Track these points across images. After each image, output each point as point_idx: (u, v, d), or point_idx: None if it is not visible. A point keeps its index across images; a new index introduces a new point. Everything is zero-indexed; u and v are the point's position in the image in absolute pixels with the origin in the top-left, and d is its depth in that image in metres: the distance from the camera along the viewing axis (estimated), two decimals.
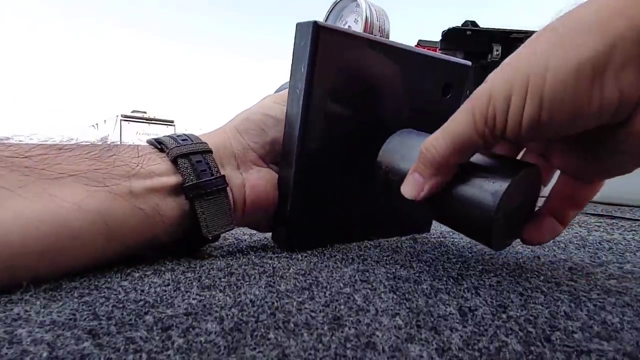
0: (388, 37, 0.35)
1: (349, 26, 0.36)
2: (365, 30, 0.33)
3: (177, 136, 0.26)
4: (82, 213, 0.20)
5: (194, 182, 0.24)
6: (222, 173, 0.25)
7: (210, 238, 0.25)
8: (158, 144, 0.25)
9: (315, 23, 0.24)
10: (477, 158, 0.22)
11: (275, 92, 0.35)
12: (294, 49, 0.25)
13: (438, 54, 0.31)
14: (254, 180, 0.27)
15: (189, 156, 0.24)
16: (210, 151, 0.25)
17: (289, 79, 0.26)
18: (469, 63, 0.32)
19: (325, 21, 0.34)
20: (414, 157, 0.23)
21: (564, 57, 0.16)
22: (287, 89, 0.27)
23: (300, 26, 0.25)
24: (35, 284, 0.19)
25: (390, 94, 0.28)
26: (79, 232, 0.20)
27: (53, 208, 0.19)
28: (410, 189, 0.22)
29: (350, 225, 0.31)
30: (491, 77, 0.18)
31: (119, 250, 0.22)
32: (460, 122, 0.19)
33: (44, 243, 0.19)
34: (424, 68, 0.30)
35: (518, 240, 0.24)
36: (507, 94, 0.17)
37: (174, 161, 0.24)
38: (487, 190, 0.20)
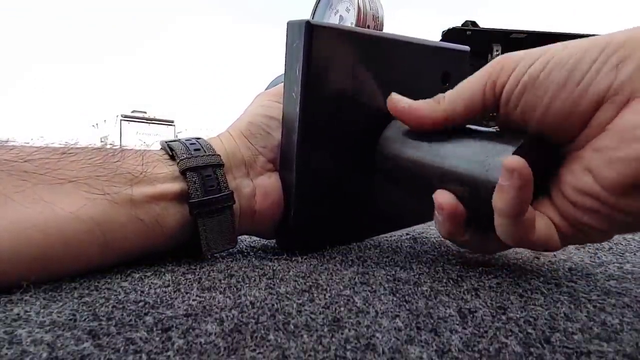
0: (382, 24, 0.34)
1: (340, 15, 0.34)
2: (358, 18, 0.32)
3: (190, 143, 0.25)
4: (77, 222, 0.19)
5: (200, 199, 0.23)
6: (232, 184, 0.25)
7: (209, 256, 0.24)
8: (170, 150, 0.24)
9: (307, 22, 0.23)
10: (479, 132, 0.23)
11: (268, 87, 0.34)
12: (286, 49, 0.24)
13: (436, 42, 0.30)
14: (265, 187, 0.26)
15: (199, 170, 0.23)
16: (221, 165, 0.24)
17: (283, 80, 0.25)
18: (467, 48, 0.31)
19: (315, 10, 0.33)
20: (416, 146, 0.24)
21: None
22: (281, 84, 0.26)
23: (291, 25, 0.24)
24: (35, 284, 0.19)
25: (388, 87, 0.27)
26: (73, 241, 0.19)
27: (48, 216, 0.19)
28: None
29: (353, 223, 0.31)
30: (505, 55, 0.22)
31: (115, 259, 0.22)
32: (473, 79, 0.22)
33: (35, 251, 0.18)
34: (422, 58, 0.29)
35: None
36: (514, 65, 0.21)
37: (183, 173, 0.23)
38: (496, 160, 0.21)
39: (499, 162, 0.20)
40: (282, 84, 0.26)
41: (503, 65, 0.21)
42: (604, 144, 0.19)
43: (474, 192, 0.21)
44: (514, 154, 0.20)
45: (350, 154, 0.28)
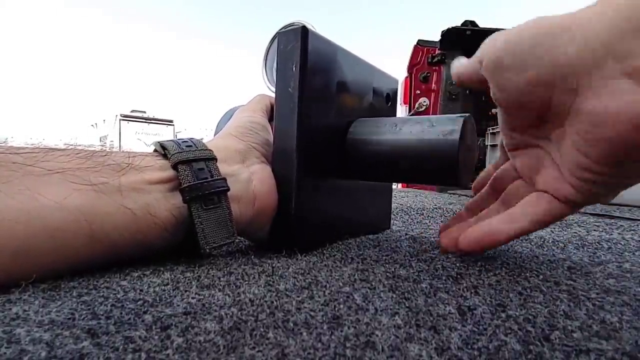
0: None
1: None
2: None
3: (182, 142, 0.25)
4: (62, 212, 0.19)
5: (191, 183, 0.23)
6: (228, 171, 0.25)
7: (208, 251, 0.23)
8: (162, 149, 0.25)
9: (304, 27, 0.26)
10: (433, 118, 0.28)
11: (222, 119, 0.38)
12: (278, 54, 0.27)
13: (381, 70, 0.37)
14: (260, 174, 0.27)
15: (190, 163, 0.24)
16: (214, 159, 0.25)
17: (275, 83, 0.28)
18: (397, 79, 0.40)
19: (267, 52, 0.37)
20: (382, 131, 0.29)
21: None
22: (239, 109, 0.32)
23: (284, 33, 0.27)
24: (33, 283, 0.19)
25: (356, 94, 0.33)
26: (57, 232, 0.19)
27: (33, 206, 0.18)
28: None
29: (343, 220, 0.33)
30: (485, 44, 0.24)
31: (107, 252, 0.21)
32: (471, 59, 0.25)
33: (18, 242, 0.18)
34: (377, 79, 0.36)
35: (517, 239, 0.24)
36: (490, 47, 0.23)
37: (175, 167, 0.23)
38: (449, 127, 0.26)
39: (447, 129, 0.26)
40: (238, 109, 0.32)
41: (483, 49, 0.24)
42: (581, 127, 0.21)
43: (436, 151, 0.26)
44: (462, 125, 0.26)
45: (330, 151, 0.30)
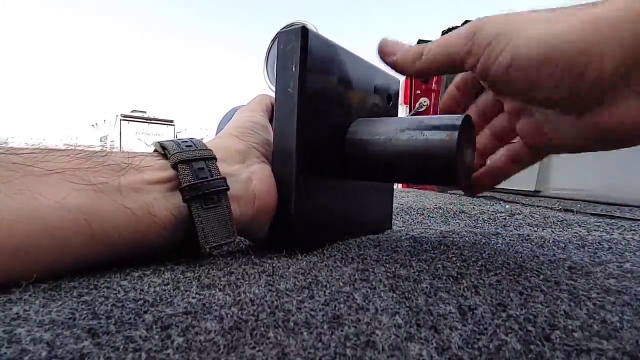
0: None
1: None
2: None
3: (182, 142, 0.25)
4: (62, 211, 0.19)
5: (191, 183, 0.23)
6: (227, 170, 0.25)
7: (208, 250, 0.24)
8: (162, 149, 0.25)
9: (303, 27, 0.27)
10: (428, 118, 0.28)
11: (222, 120, 0.39)
12: (278, 54, 0.27)
13: (382, 70, 0.36)
14: (260, 173, 0.27)
15: (190, 162, 0.24)
16: (213, 158, 0.25)
17: (275, 84, 0.28)
18: (399, 78, 0.38)
19: (269, 52, 0.37)
20: (381, 131, 0.29)
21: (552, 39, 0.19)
22: (240, 109, 0.32)
23: (284, 33, 0.27)
24: (34, 283, 0.19)
25: (356, 94, 0.33)
26: (57, 231, 0.19)
27: (32, 205, 0.18)
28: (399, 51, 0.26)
29: (344, 220, 0.33)
30: (487, 19, 0.22)
31: (107, 251, 0.21)
32: (452, 36, 0.24)
33: (18, 241, 0.18)
34: (378, 79, 0.36)
35: (517, 239, 0.24)
36: (490, 39, 0.21)
37: (174, 167, 0.23)
38: (447, 127, 0.26)
39: (446, 129, 0.26)
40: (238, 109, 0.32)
41: (477, 35, 0.22)
42: None
43: (434, 151, 0.26)
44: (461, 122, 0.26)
45: (331, 150, 0.30)
